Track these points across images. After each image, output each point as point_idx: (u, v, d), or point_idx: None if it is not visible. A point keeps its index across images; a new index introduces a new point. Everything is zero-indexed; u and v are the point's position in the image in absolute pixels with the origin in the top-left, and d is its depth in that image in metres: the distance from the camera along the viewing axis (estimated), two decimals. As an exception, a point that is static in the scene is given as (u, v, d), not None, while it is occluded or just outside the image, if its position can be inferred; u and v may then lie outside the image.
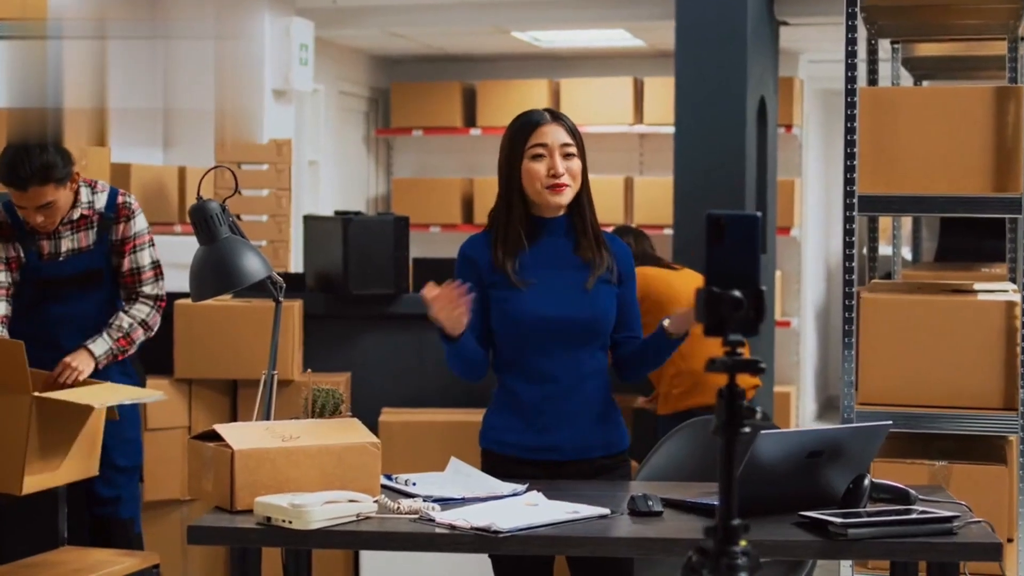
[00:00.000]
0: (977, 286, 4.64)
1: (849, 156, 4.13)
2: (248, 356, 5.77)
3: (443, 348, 3.70)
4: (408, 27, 9.03)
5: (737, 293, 2.18)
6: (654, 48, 9.82)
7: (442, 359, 6.37)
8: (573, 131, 3.72)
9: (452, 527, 3.15)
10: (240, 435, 3.36)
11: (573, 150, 3.69)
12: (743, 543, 2.21)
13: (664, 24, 8.36)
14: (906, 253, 11.57)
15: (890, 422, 3.41)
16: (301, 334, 5.92)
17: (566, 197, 3.69)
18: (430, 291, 3.54)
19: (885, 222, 12.31)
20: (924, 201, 4.12)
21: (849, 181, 4.14)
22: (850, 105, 4.13)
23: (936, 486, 3.79)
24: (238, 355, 5.79)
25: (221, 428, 3.38)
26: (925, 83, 7.10)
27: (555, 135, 3.69)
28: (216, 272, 3.58)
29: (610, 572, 3.60)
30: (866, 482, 3.31)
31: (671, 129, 9.61)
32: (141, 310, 4.86)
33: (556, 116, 3.73)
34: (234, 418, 5.90)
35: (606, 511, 3.30)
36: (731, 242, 2.21)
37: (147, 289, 4.88)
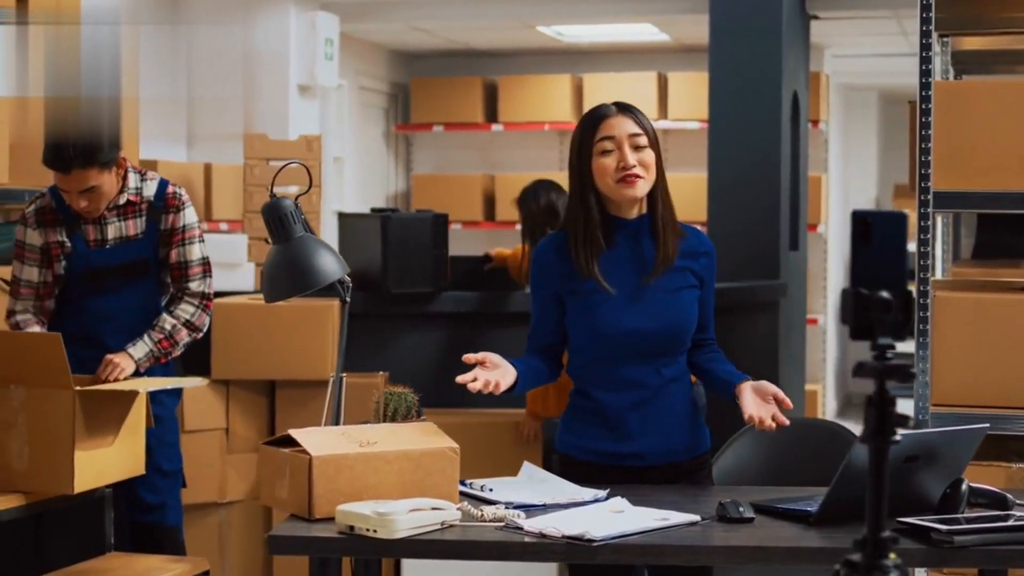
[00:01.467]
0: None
1: (924, 152, 4.03)
2: (286, 356, 5.67)
3: None
4: (433, 21, 8.92)
5: (886, 294, 2.07)
6: (679, 43, 9.72)
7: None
8: (642, 122, 3.60)
9: (543, 535, 3.04)
10: (316, 441, 3.25)
11: (643, 140, 3.56)
12: (892, 556, 2.11)
13: (692, 18, 8.27)
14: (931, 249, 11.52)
15: (987, 425, 3.31)
16: (338, 334, 5.80)
17: (640, 189, 3.56)
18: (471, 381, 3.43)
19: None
20: (1000, 198, 4.02)
21: (924, 177, 4.03)
22: (924, 99, 4.03)
23: (1022, 490, 3.69)
24: (276, 355, 5.69)
25: (296, 433, 3.27)
26: (964, 77, 6.99)
27: (622, 126, 3.56)
28: (291, 272, 3.46)
29: None
30: (964, 487, 3.21)
31: (696, 125, 9.59)
32: (186, 309, 4.72)
33: (624, 107, 3.60)
34: (272, 420, 5.80)
35: (696, 517, 3.19)
36: (878, 242, 2.11)
37: (193, 285, 4.75)
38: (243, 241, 6.32)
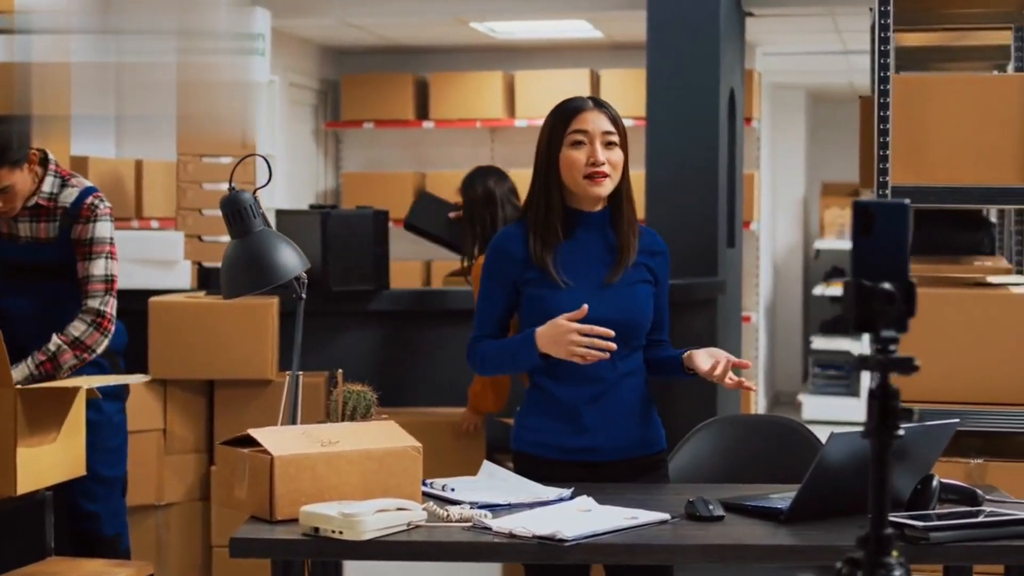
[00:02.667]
0: (993, 279, 4.54)
1: (882, 146, 4.00)
2: (225, 356, 5.58)
3: (514, 361, 3.53)
4: (365, 17, 8.82)
5: (888, 286, 2.03)
6: (612, 40, 9.68)
7: (426, 355, 6.26)
8: (616, 120, 3.56)
9: (512, 535, 2.98)
10: (277, 440, 3.17)
11: (615, 139, 3.54)
12: (895, 553, 2.06)
13: (626, 15, 8.23)
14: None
15: (957, 420, 3.29)
16: (277, 333, 5.70)
17: (606, 188, 3.53)
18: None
19: (832, 215, 12.29)
20: (959, 192, 4.00)
21: (882, 172, 4.01)
22: (883, 94, 4.00)
23: (990, 486, 3.67)
24: (215, 355, 5.58)
25: (256, 432, 3.18)
26: (901, 73, 7.01)
27: (597, 122, 3.53)
28: (251, 268, 3.37)
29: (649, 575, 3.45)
30: (935, 483, 3.18)
31: (629, 123, 9.52)
32: (77, 327, 4.50)
33: (599, 103, 3.57)
34: (211, 420, 5.69)
35: (665, 516, 3.14)
36: (880, 232, 2.06)
37: (92, 302, 4.53)
38: (179, 238, 6.19)
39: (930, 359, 4.04)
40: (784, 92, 12.43)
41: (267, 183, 3.47)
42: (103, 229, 4.57)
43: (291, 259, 3.41)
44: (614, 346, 3.37)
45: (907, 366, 2.01)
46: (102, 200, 4.60)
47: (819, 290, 12.36)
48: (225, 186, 7.03)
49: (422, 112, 10.07)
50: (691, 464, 4.10)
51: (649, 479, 3.60)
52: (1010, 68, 5.31)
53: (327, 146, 10.53)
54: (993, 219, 6.92)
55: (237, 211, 3.38)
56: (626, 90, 9.52)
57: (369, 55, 10.45)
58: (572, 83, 9.64)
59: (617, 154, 3.53)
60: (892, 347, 2.02)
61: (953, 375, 4.04)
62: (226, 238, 7.03)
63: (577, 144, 3.51)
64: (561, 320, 3.39)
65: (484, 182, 5.94)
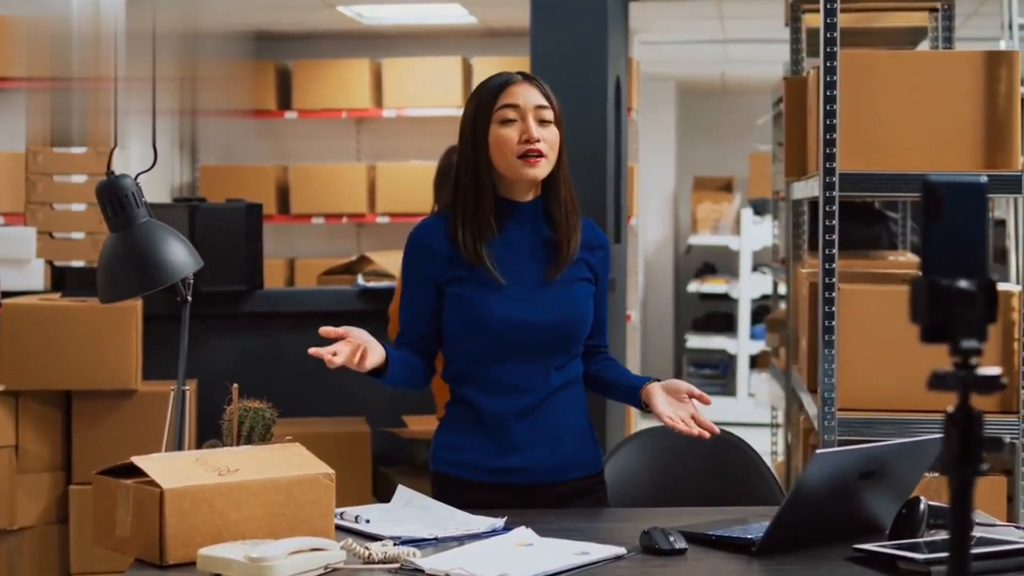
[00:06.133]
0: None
1: (828, 129, 3.63)
2: (84, 364, 5.07)
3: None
4: (224, 2, 8.29)
5: (966, 284, 1.63)
6: (486, 26, 9.27)
7: (301, 362, 5.77)
8: (549, 95, 3.14)
9: (451, 580, 2.54)
10: (166, 469, 2.68)
11: (549, 115, 3.12)
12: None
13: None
14: (755, 244, 11.29)
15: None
16: (141, 338, 5.18)
17: (542, 170, 3.10)
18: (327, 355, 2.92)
19: (705, 210, 12.01)
20: (915, 180, 3.65)
21: (828, 157, 3.63)
22: (829, 71, 3.62)
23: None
24: (72, 363, 5.06)
25: (141, 460, 2.70)
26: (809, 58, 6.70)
27: (528, 95, 3.11)
28: (136, 266, 2.87)
29: None
30: (922, 506, 2.80)
31: (504, 113, 9.15)
32: None
33: (528, 77, 3.16)
34: (68, 435, 5.16)
35: (620, 550, 2.73)
36: (953, 218, 1.66)
37: None
38: (30, 235, 5.65)
39: (882, 364, 3.68)
40: (654, 84, 12.12)
41: (152, 167, 2.99)
42: None
43: (182, 256, 2.92)
44: None
45: (993, 384, 1.62)
46: None
47: (693, 287, 12.08)
48: (77, 179, 6.56)
49: (284, 102, 9.56)
50: (621, 482, 3.68)
51: (585, 503, 3.20)
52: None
53: (182, 137, 9.96)
54: (890, 212, 6.63)
55: (117, 199, 2.88)
56: (500, 79, 9.12)
57: (228, 41, 9.89)
58: (443, 71, 9.26)
59: (552, 132, 3.12)
60: (974, 360, 1.62)
61: (905, 380, 3.69)
62: (80, 235, 6.56)
63: (507, 122, 3.09)
64: None
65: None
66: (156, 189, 9.18)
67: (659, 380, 3.19)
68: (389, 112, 9.38)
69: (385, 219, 9.33)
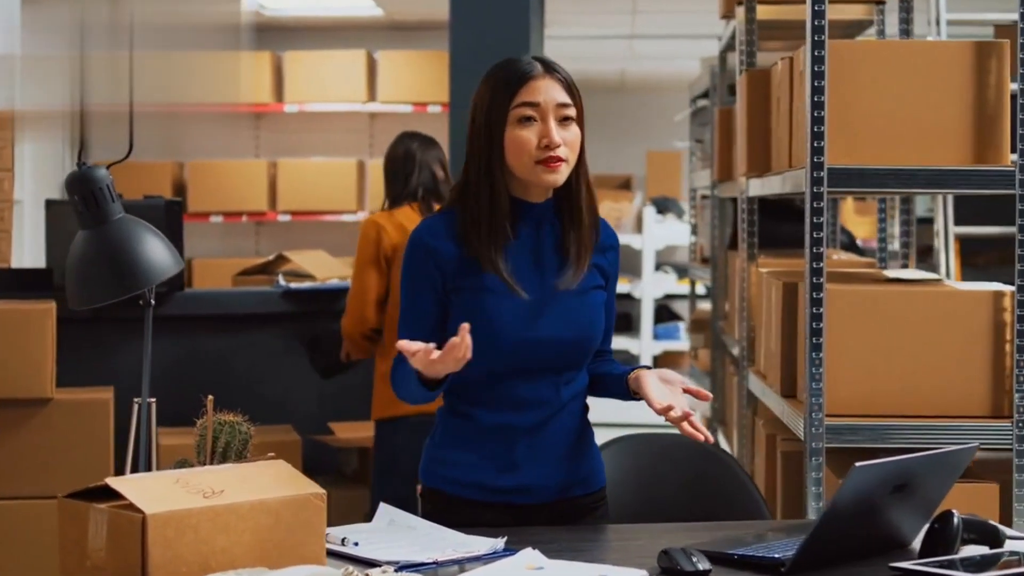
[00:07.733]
0: (890, 274, 4.09)
1: (816, 122, 3.45)
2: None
3: (409, 388, 2.84)
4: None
5: None
6: (391, 19, 9.03)
7: (226, 366, 5.52)
8: (572, 87, 2.88)
9: (467, 610, 2.32)
10: (145, 491, 2.42)
11: (572, 112, 2.85)
12: None
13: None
14: (658, 243, 11.14)
15: (977, 444, 2.75)
16: (55, 343, 4.87)
17: (562, 175, 2.84)
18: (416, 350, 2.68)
19: (605, 209, 11.85)
20: (905, 175, 3.49)
21: (816, 151, 3.46)
22: (817, 60, 3.45)
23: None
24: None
25: (116, 482, 2.43)
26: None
27: (550, 92, 2.83)
28: (110, 267, 2.59)
29: None
30: (956, 520, 2.64)
31: (408, 108, 8.93)
32: None
33: (549, 66, 2.87)
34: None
35: (642, 572, 2.52)
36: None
37: None
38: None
39: (872, 368, 3.52)
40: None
41: (127, 156, 2.72)
42: None
43: (162, 255, 2.65)
44: None
45: None
46: None
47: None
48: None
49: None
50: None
51: (587, 521, 2.99)
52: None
53: (73, 132, 9.57)
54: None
55: (90, 192, 2.61)
56: (405, 74, 8.91)
57: (121, 31, 9.54)
58: (347, 65, 9.04)
59: (574, 131, 2.85)
60: None
61: (895, 385, 3.53)
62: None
63: (526, 121, 2.82)
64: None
65: (407, 144, 5.22)
66: (47, 185, 8.84)
67: (650, 368, 2.98)
68: (290, 107, 9.11)
69: (287, 217, 9.06)
